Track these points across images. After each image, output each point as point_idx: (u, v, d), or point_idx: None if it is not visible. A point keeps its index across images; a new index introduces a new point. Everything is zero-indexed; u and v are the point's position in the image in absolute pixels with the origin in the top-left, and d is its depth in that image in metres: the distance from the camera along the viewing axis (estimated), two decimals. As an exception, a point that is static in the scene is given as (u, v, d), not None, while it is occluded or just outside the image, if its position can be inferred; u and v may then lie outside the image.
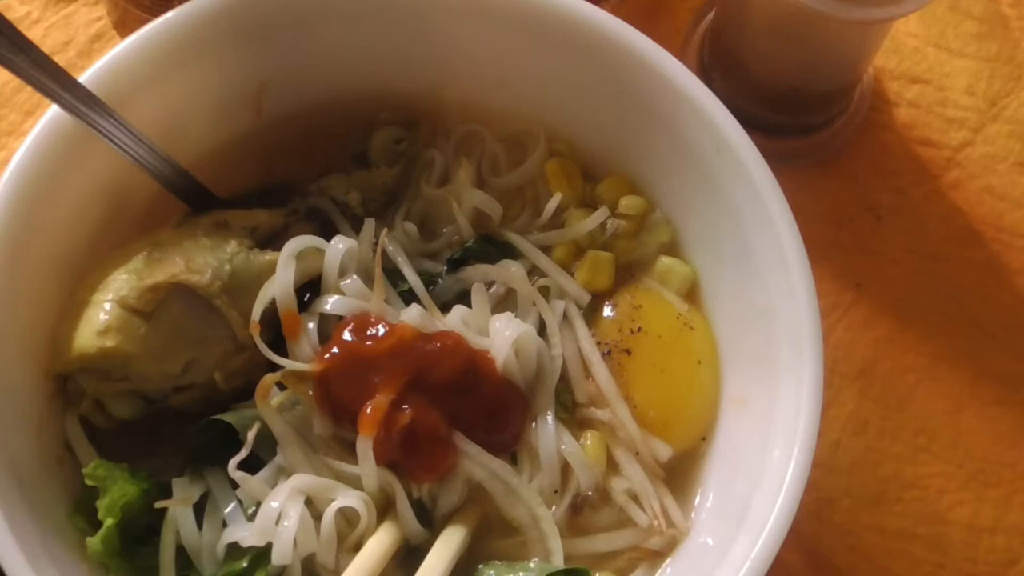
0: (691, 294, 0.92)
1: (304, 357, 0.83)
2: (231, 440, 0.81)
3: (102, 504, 0.79)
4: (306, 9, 0.88)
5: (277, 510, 0.78)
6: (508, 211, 0.94)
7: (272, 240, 0.89)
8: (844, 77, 1.06)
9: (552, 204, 0.92)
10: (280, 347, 0.83)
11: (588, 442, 0.86)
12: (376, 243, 0.88)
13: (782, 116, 1.09)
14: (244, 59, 0.89)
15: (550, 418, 0.85)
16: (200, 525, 0.81)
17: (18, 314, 0.80)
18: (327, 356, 0.82)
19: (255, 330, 0.81)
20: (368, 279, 0.86)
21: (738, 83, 1.07)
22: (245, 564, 0.79)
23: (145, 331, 0.81)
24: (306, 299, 0.87)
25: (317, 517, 0.80)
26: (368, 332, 0.83)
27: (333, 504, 0.80)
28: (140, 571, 0.80)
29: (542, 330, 0.88)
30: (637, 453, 0.87)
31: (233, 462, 0.79)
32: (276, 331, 0.84)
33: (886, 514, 1.00)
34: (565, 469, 0.85)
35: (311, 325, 0.85)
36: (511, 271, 0.89)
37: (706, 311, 0.91)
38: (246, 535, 0.79)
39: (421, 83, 0.95)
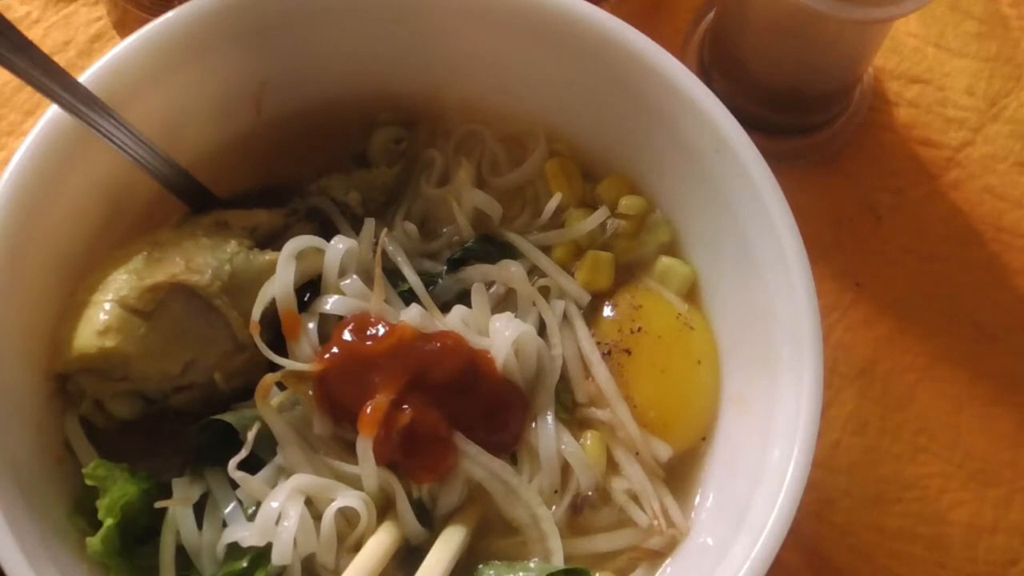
0: (691, 294, 0.92)
1: (304, 357, 0.83)
2: (231, 440, 0.81)
3: (102, 504, 0.79)
4: (306, 9, 0.88)
5: (277, 510, 0.78)
6: (508, 211, 0.94)
7: (272, 240, 0.89)
8: (844, 77, 1.06)
9: (552, 204, 0.92)
10: (280, 347, 0.83)
11: (588, 442, 0.86)
12: (376, 243, 0.88)
13: (782, 116, 1.09)
14: (244, 59, 0.89)
15: (550, 418, 0.85)
16: (200, 525, 0.81)
17: (18, 314, 0.80)
18: (327, 356, 0.82)
19: (255, 330, 0.81)
20: (368, 279, 0.86)
21: (738, 83, 1.07)
22: (245, 564, 0.79)
23: (145, 331, 0.81)
24: (306, 299, 0.87)
25: (317, 517, 0.80)
26: (368, 332, 0.83)
27: (333, 504, 0.80)
28: (140, 571, 0.80)
29: (542, 330, 0.88)
30: (637, 453, 0.87)
31: (233, 462, 0.79)
32: (276, 331, 0.84)
33: (886, 514, 1.00)
34: (565, 469, 0.85)
35: (311, 325, 0.85)
36: (511, 271, 0.89)
37: (706, 311, 0.91)
38: (246, 535, 0.79)
39: (421, 83, 0.95)
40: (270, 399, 0.82)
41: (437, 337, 0.83)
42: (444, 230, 0.93)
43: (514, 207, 0.95)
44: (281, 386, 0.83)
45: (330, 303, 0.85)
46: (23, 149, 0.80)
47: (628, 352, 0.89)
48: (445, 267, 0.91)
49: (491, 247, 0.92)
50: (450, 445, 0.82)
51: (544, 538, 0.83)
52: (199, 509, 0.81)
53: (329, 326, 0.85)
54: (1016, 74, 1.14)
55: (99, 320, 0.80)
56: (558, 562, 0.82)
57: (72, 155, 0.82)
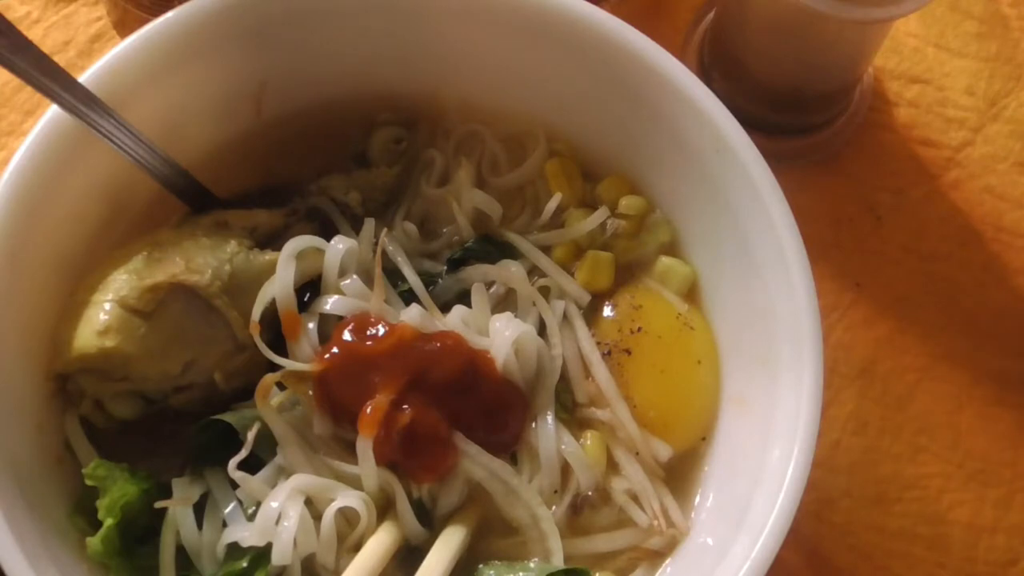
0: (691, 294, 0.92)
1: (304, 357, 0.83)
2: (231, 440, 0.81)
3: (102, 504, 0.79)
4: (306, 9, 0.88)
5: (277, 510, 0.78)
6: (508, 211, 0.94)
7: (272, 240, 0.89)
8: (844, 77, 1.06)
9: (552, 204, 0.92)
10: (280, 347, 0.83)
11: (588, 442, 0.86)
12: (376, 243, 0.88)
13: (782, 116, 1.09)
14: (244, 59, 0.89)
15: (550, 418, 0.85)
16: (200, 525, 0.81)
17: (18, 314, 0.80)
18: (327, 356, 0.82)
19: (255, 330, 0.81)
20: (368, 279, 0.86)
21: (738, 83, 1.07)
22: (245, 564, 0.79)
23: (145, 331, 0.81)
24: (306, 299, 0.87)
25: (317, 517, 0.80)
26: (368, 332, 0.83)
27: (333, 504, 0.80)
28: (140, 571, 0.80)
29: (542, 330, 0.88)
30: (637, 453, 0.87)
31: (233, 462, 0.79)
32: (276, 331, 0.84)
33: (886, 514, 1.00)
34: (565, 469, 0.85)
35: (311, 325, 0.85)
36: (511, 271, 0.89)
37: (706, 311, 0.91)
38: (246, 535, 0.79)
39: (421, 83, 0.95)
40: (270, 399, 0.82)
41: (437, 337, 0.83)
42: (444, 230, 0.93)
43: (514, 207, 0.95)
44: (281, 386, 0.83)
45: (330, 303, 0.85)
46: (23, 149, 0.80)
47: (628, 352, 0.89)
48: (445, 267, 0.91)
49: (491, 247, 0.92)
50: (450, 445, 0.82)
51: (544, 538, 0.83)
52: (199, 509, 0.81)
53: (329, 326, 0.85)
54: (1016, 74, 1.14)
55: (99, 320, 0.80)
56: (558, 562, 0.82)
57: (72, 155, 0.82)
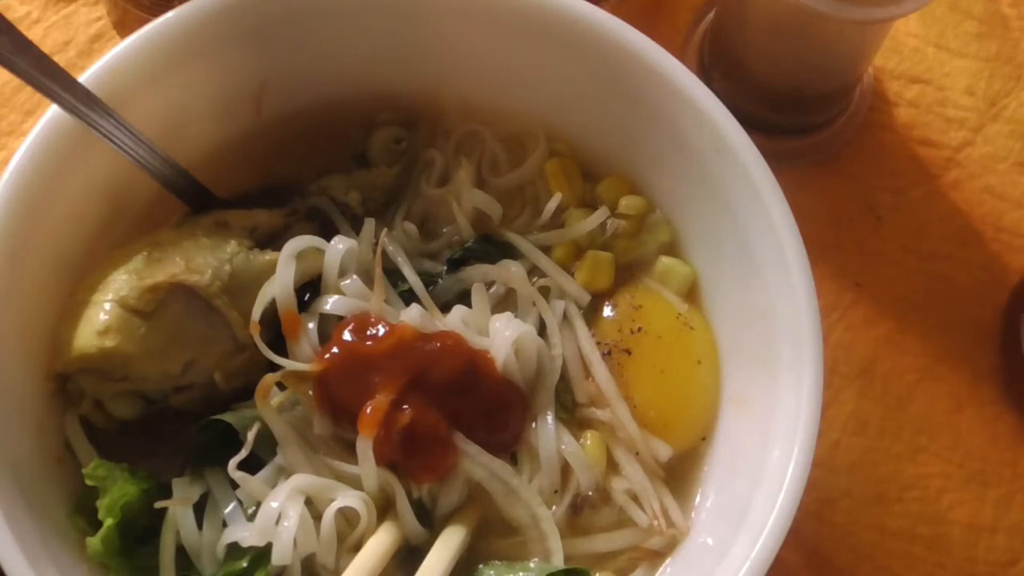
0: (691, 294, 0.92)
1: (304, 357, 0.83)
2: (231, 440, 0.81)
3: (102, 504, 0.79)
4: (306, 9, 0.88)
5: (277, 510, 0.78)
6: (508, 211, 0.94)
7: (272, 240, 0.89)
8: (844, 77, 1.06)
9: (552, 204, 0.92)
10: (280, 347, 0.83)
11: (588, 442, 0.86)
12: (376, 243, 0.88)
13: (782, 116, 1.09)
14: (244, 59, 0.89)
15: (550, 418, 0.85)
16: (200, 525, 0.81)
17: (18, 314, 0.80)
18: (327, 356, 0.82)
19: (255, 330, 0.81)
20: (368, 279, 0.86)
21: (738, 83, 1.07)
22: (245, 564, 0.79)
23: (145, 331, 0.81)
24: (306, 299, 0.87)
25: (317, 517, 0.80)
26: (368, 332, 0.83)
27: (333, 504, 0.80)
28: (140, 571, 0.80)
29: (542, 330, 0.88)
30: (637, 453, 0.87)
31: (233, 462, 0.79)
32: (276, 331, 0.84)
33: (886, 514, 1.00)
34: (565, 469, 0.85)
35: (311, 325, 0.85)
36: (511, 271, 0.89)
37: (706, 311, 0.91)
38: (246, 535, 0.79)
39: (421, 83, 0.95)
40: (270, 399, 0.82)
41: (437, 337, 0.83)
42: (444, 230, 0.93)
43: (514, 207, 0.95)
44: (281, 386, 0.83)
45: (330, 303, 0.85)
46: (23, 149, 0.80)
47: (628, 352, 0.89)
48: (445, 267, 0.91)
49: (491, 247, 0.92)
50: (450, 445, 0.82)
51: (544, 538, 0.83)
52: (199, 509, 0.81)
53: (329, 326, 0.85)
54: (1016, 74, 1.14)
55: (99, 320, 0.80)
56: (558, 562, 0.82)
57: (72, 155, 0.82)
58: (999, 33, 1.16)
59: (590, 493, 0.86)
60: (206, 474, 0.83)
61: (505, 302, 0.90)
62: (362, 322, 0.84)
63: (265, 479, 0.81)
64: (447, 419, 0.82)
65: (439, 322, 0.86)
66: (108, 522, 0.78)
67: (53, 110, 0.80)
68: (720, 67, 1.10)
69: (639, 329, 0.89)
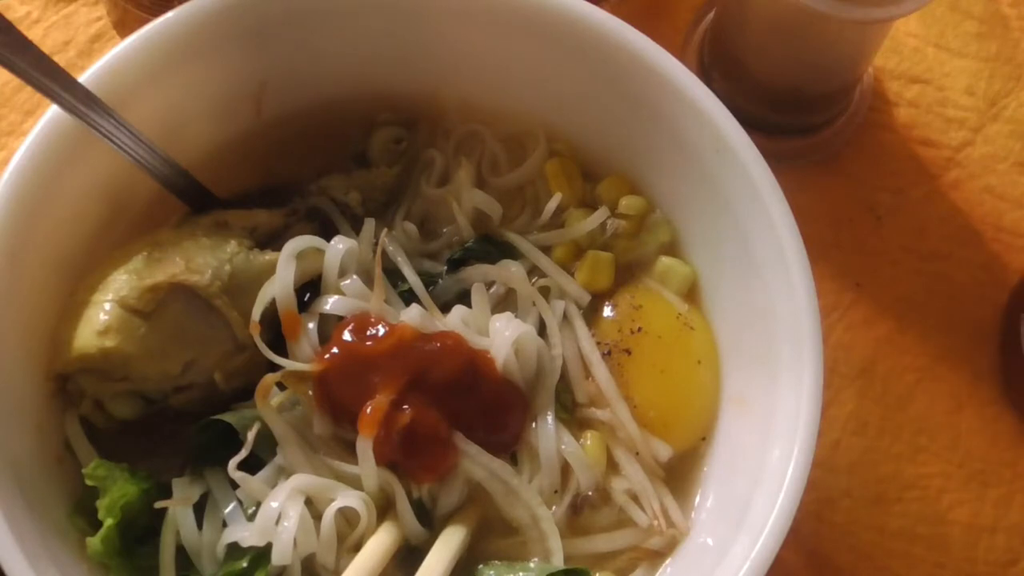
0: (691, 294, 0.92)
1: (304, 357, 0.83)
2: (231, 440, 0.81)
3: (102, 504, 0.79)
4: (306, 9, 0.88)
5: (277, 510, 0.78)
6: (508, 211, 0.94)
7: (272, 240, 0.89)
8: (844, 77, 1.06)
9: (552, 204, 0.92)
10: (280, 347, 0.83)
11: (588, 442, 0.86)
12: (376, 243, 0.88)
13: (782, 116, 1.09)
14: (244, 59, 0.89)
15: (550, 418, 0.85)
16: (200, 525, 0.81)
17: (18, 314, 0.80)
18: (327, 356, 0.82)
19: (255, 330, 0.81)
20: (368, 279, 0.86)
21: (738, 83, 1.07)
22: (245, 564, 0.79)
23: (145, 331, 0.81)
24: (306, 299, 0.87)
25: (317, 517, 0.80)
26: (368, 332, 0.83)
27: (333, 504, 0.80)
28: (140, 571, 0.80)
29: (542, 330, 0.88)
30: (637, 453, 0.87)
31: (233, 462, 0.79)
32: (276, 331, 0.84)
33: (886, 514, 1.00)
34: (565, 469, 0.85)
35: (311, 325, 0.85)
36: (511, 271, 0.89)
37: (706, 311, 0.91)
38: (246, 535, 0.79)
39: (421, 83, 0.95)
40: (270, 399, 0.82)
41: (437, 337, 0.83)
42: (444, 230, 0.93)
43: (514, 207, 0.95)
44: (281, 386, 0.83)
45: (330, 303, 0.85)
46: (23, 149, 0.80)
47: (628, 352, 0.89)
48: (445, 267, 0.91)
49: (491, 247, 0.92)
50: (450, 445, 0.82)
51: (544, 538, 0.83)
52: (199, 509, 0.81)
53: (329, 326, 0.85)
54: (1016, 74, 1.15)
55: (99, 320, 0.80)
56: (558, 562, 0.82)
57: (72, 155, 0.82)
58: (999, 33, 1.16)
59: (590, 493, 0.86)
60: (206, 474, 0.83)
61: (505, 302, 0.90)
62: (362, 322, 0.84)
63: (265, 479, 0.81)
64: (447, 419, 0.82)
65: (439, 322, 0.86)
66: (108, 522, 0.78)
67: (53, 110, 0.80)
68: (720, 67, 1.10)
69: (639, 329, 0.89)
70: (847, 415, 1.02)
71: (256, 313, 0.83)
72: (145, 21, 0.86)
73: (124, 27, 1.13)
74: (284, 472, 0.82)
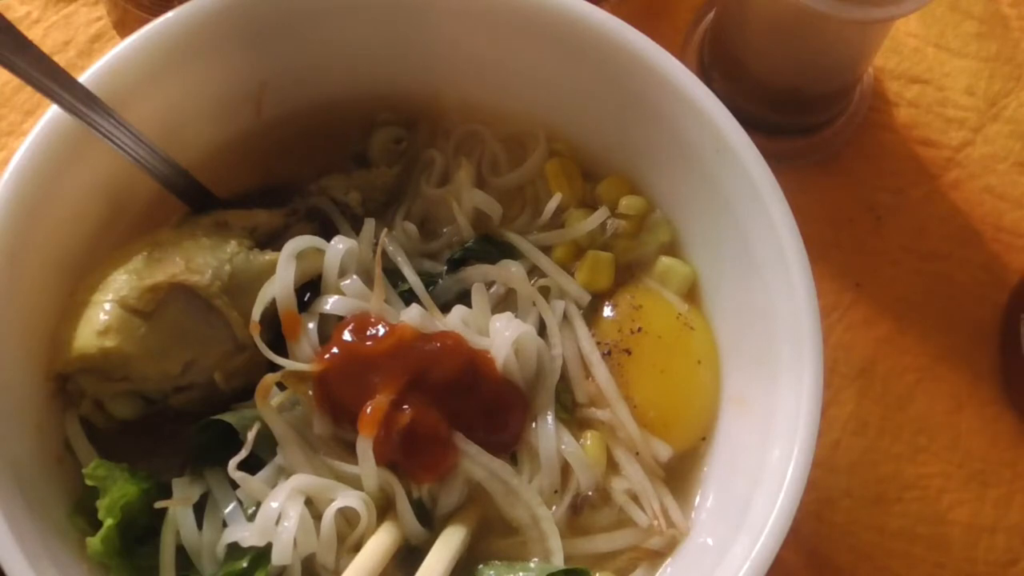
0: (691, 294, 0.92)
1: (304, 357, 0.83)
2: (231, 440, 0.81)
3: (102, 504, 0.79)
4: (306, 9, 0.88)
5: (277, 510, 0.78)
6: (508, 211, 0.94)
7: (272, 240, 0.89)
8: (844, 77, 1.06)
9: (552, 204, 0.92)
10: (280, 347, 0.83)
11: (588, 442, 0.86)
12: (376, 243, 0.88)
13: (782, 116, 1.09)
14: (244, 59, 0.89)
15: (550, 418, 0.85)
16: (200, 525, 0.81)
17: (18, 314, 0.80)
18: (327, 356, 0.82)
19: (255, 330, 0.81)
20: (368, 279, 0.86)
21: (738, 83, 1.07)
22: (245, 564, 0.79)
23: (145, 331, 0.81)
24: (306, 299, 0.87)
25: (317, 517, 0.80)
26: (368, 332, 0.83)
27: (333, 504, 0.80)
28: (140, 571, 0.80)
29: (542, 330, 0.88)
30: (637, 453, 0.87)
31: (233, 462, 0.79)
32: (276, 331, 0.84)
33: (886, 514, 1.00)
34: (565, 469, 0.85)
35: (311, 325, 0.85)
36: (511, 271, 0.89)
37: (706, 311, 0.91)
38: (246, 535, 0.79)
39: (421, 83, 0.95)
40: (270, 399, 0.82)
41: (437, 337, 0.83)
42: (444, 230, 0.93)
43: (514, 207, 0.95)
44: (281, 386, 0.83)
45: (330, 303, 0.85)
46: (23, 149, 0.80)
47: (628, 352, 0.89)
48: (445, 267, 0.91)
49: (491, 247, 0.92)
50: (450, 445, 0.82)
51: (544, 538, 0.83)
52: (199, 509, 0.81)
53: (329, 326, 0.85)
54: (1016, 74, 1.15)
55: (99, 320, 0.80)
56: (558, 562, 0.82)
57: (72, 155, 0.82)
58: (999, 33, 1.16)
59: (590, 493, 0.86)
60: (206, 474, 0.83)
61: (505, 302, 0.90)
62: (362, 322, 0.84)
63: (265, 479, 0.81)
64: (447, 419, 0.82)
65: (439, 322, 0.86)
66: (108, 522, 0.78)
67: (53, 110, 0.80)
68: (720, 67, 1.10)
69: (639, 329, 0.89)
70: (847, 415, 1.02)
71: (256, 313, 0.83)
72: (145, 21, 0.86)
73: (124, 27, 1.13)
74: (284, 472, 0.82)
